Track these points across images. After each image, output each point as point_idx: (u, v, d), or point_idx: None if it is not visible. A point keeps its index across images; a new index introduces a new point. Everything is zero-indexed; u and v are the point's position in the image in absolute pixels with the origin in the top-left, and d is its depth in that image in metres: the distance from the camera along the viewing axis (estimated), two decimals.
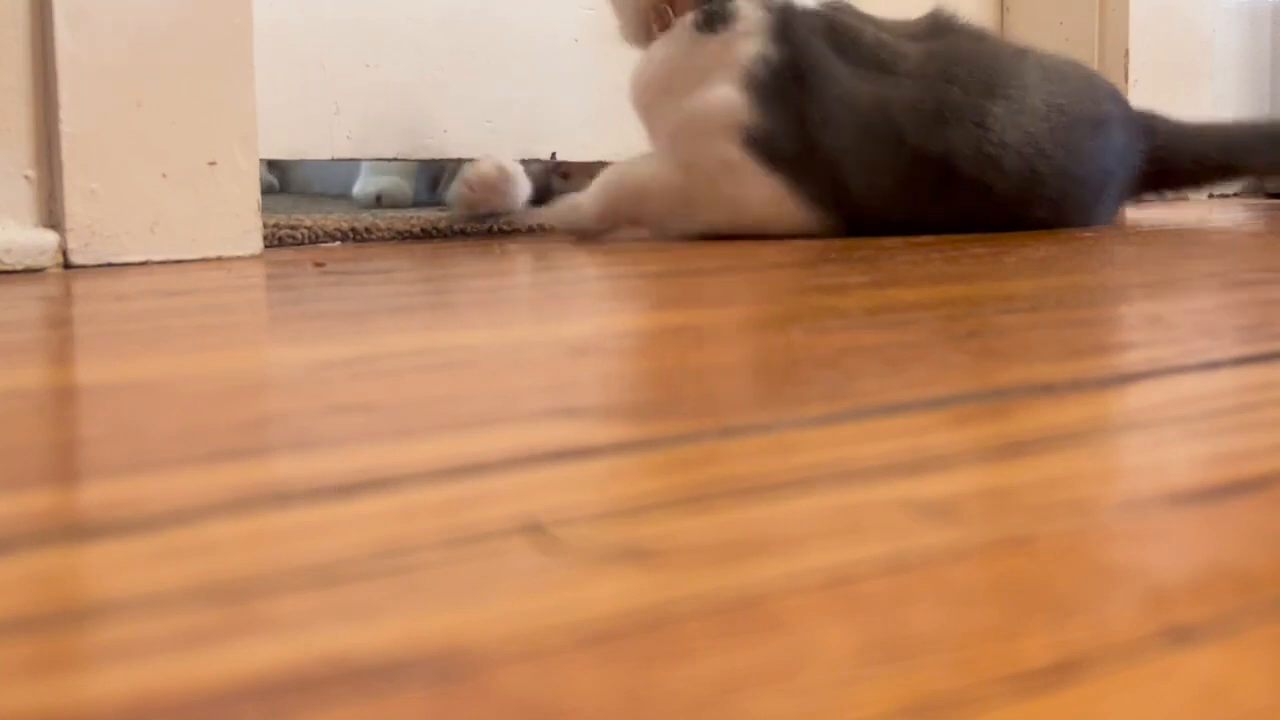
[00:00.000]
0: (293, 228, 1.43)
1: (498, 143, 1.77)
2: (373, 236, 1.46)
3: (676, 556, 0.35)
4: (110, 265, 1.18)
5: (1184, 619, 0.31)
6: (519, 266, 1.23)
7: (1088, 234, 1.34)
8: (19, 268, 1.14)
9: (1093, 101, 1.53)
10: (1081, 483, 0.43)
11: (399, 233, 1.48)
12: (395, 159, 1.75)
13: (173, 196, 1.21)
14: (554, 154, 1.81)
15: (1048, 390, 0.58)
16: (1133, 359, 0.66)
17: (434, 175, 2.01)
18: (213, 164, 1.24)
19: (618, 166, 1.48)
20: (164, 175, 1.21)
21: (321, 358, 0.71)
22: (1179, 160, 1.60)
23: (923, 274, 1.15)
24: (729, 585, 0.33)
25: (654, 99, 1.46)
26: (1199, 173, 1.65)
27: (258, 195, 1.27)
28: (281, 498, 0.42)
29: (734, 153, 1.40)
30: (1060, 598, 0.32)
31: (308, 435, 0.52)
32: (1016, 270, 1.13)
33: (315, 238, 1.43)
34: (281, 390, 0.63)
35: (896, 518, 0.39)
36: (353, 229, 1.46)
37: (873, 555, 0.35)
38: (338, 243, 1.43)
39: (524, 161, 1.71)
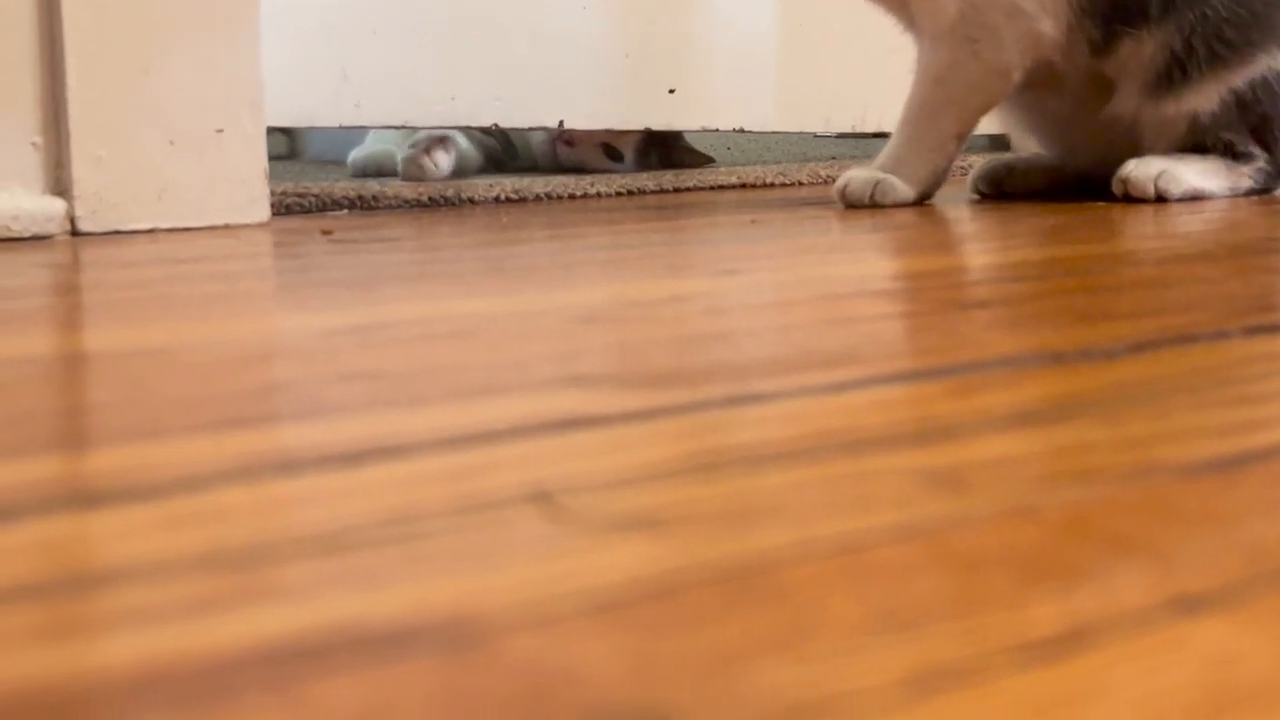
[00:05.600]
0: (300, 195, 1.42)
1: (505, 110, 1.76)
2: (380, 205, 1.46)
3: (685, 525, 0.35)
4: (118, 233, 1.17)
5: (1192, 589, 0.31)
6: (526, 235, 1.23)
7: (1098, 204, 1.34)
8: (26, 235, 1.14)
9: None
10: (1090, 452, 0.43)
11: (406, 201, 1.48)
12: (403, 127, 1.74)
13: (180, 164, 1.21)
14: (561, 122, 1.81)
15: (1057, 359, 0.58)
16: (1142, 327, 0.66)
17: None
18: (220, 131, 1.23)
19: None
20: (171, 142, 1.21)
21: (329, 326, 0.71)
22: None
23: (931, 242, 1.15)
24: (737, 554, 0.33)
25: None
26: None
27: (265, 163, 1.27)
28: (289, 465, 0.42)
29: None
30: (1068, 567, 0.32)
31: (316, 403, 0.52)
32: (1025, 239, 1.13)
33: (323, 205, 1.42)
34: (289, 358, 0.63)
35: (905, 487, 0.39)
36: (360, 196, 1.46)
37: (881, 524, 0.35)
38: (345, 210, 1.43)
39: (529, 130, 1.83)
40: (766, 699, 0.25)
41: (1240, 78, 1.34)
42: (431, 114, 1.72)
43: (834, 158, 2.11)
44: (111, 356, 0.63)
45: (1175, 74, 1.34)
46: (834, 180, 1.41)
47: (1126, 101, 1.37)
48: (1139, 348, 0.60)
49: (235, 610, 0.29)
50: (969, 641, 0.27)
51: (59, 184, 1.17)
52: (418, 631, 0.28)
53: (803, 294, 0.82)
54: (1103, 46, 1.35)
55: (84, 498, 0.39)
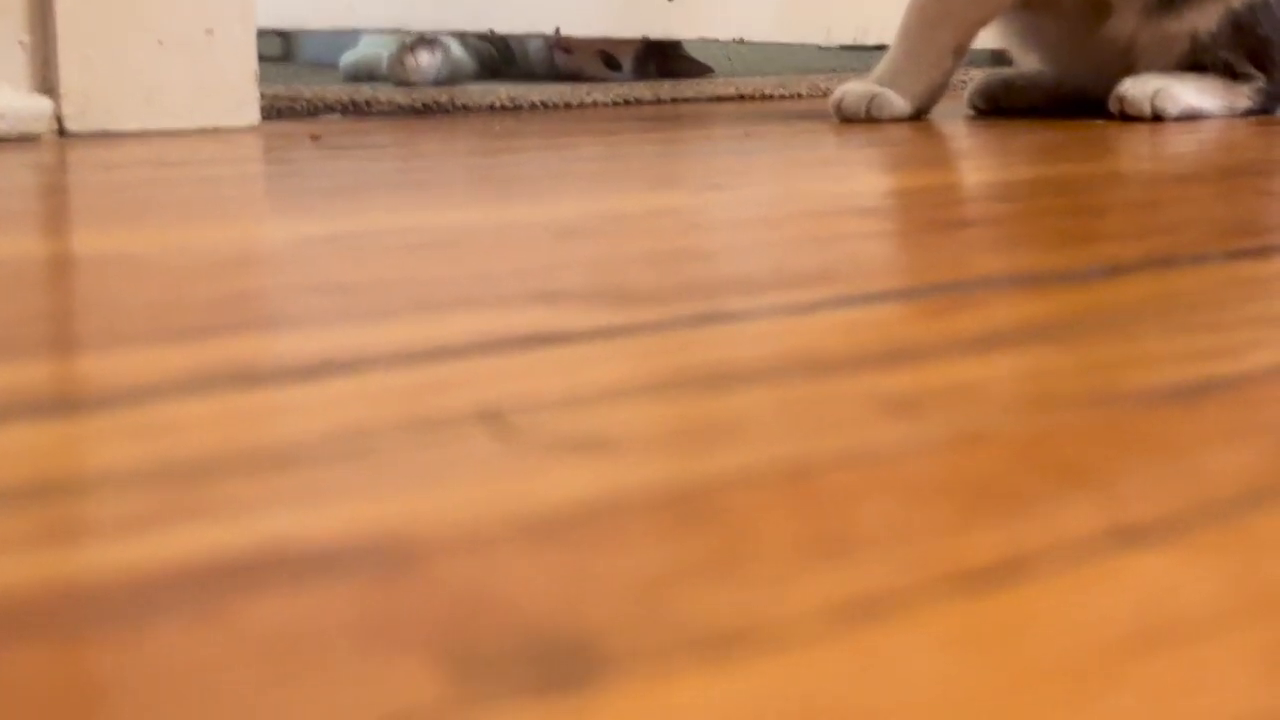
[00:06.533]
0: (291, 99, 1.41)
1: (501, 14, 1.74)
2: (372, 110, 1.45)
3: (633, 446, 0.35)
4: (105, 133, 1.16)
5: (1135, 519, 0.30)
6: (518, 144, 1.22)
7: (1095, 122, 1.32)
8: (13, 134, 1.13)
9: None
10: (1052, 377, 0.43)
11: (400, 106, 1.47)
12: (397, 30, 1.72)
13: (169, 65, 1.20)
14: (557, 29, 1.79)
15: (1033, 281, 0.58)
16: (1124, 250, 0.66)
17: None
18: (209, 32, 1.22)
19: None
20: (160, 43, 1.19)
21: (307, 234, 0.70)
22: None
23: (924, 158, 1.14)
24: (682, 476, 0.33)
25: None
26: None
27: (255, 65, 1.26)
28: (247, 378, 0.42)
29: None
30: (1013, 495, 0.32)
31: (282, 314, 0.52)
32: (1019, 157, 1.12)
33: (314, 109, 1.41)
34: (263, 266, 0.63)
35: (860, 411, 0.38)
36: (352, 101, 1.45)
37: (831, 448, 0.35)
38: (337, 115, 1.42)
39: (526, 36, 1.79)
40: (691, 624, 0.25)
41: None
42: (426, 17, 1.69)
43: (835, 70, 2.08)
44: (85, 261, 0.63)
45: None
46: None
47: (1125, 21, 1.35)
48: (1115, 270, 0.59)
49: (172, 526, 0.29)
50: (904, 569, 0.27)
51: (46, 83, 1.16)
52: (349, 552, 0.28)
53: (787, 210, 0.81)
54: None
55: (33, 407, 0.39)
